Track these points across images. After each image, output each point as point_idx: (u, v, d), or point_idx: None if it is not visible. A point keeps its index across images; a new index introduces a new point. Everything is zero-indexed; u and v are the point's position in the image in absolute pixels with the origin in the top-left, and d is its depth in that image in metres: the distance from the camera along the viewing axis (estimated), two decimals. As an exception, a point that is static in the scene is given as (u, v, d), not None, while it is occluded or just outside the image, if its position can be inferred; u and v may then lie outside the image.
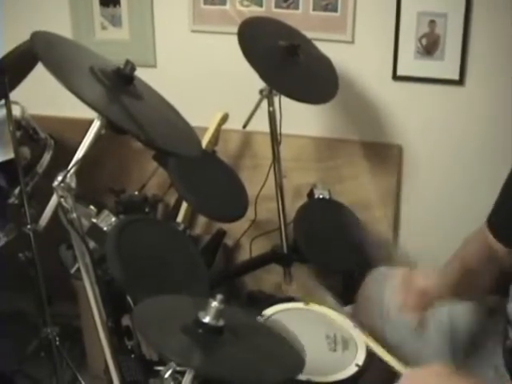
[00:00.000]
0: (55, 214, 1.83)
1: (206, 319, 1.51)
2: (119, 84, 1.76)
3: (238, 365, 1.50)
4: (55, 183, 1.72)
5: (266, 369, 1.53)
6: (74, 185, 1.73)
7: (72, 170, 1.73)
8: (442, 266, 1.92)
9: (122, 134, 1.67)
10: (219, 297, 1.53)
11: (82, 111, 1.67)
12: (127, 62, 1.75)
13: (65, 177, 1.71)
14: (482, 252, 1.88)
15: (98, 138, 1.74)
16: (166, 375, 1.58)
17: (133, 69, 1.76)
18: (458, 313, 1.97)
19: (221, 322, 1.52)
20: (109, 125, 1.71)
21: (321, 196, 2.78)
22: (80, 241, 1.80)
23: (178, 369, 1.58)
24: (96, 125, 1.73)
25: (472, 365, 1.87)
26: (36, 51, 1.63)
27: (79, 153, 1.74)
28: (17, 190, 2.51)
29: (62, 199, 1.73)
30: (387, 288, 2.02)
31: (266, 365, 1.55)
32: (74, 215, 1.76)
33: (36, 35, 1.68)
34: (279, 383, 1.55)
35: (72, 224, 1.77)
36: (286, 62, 2.52)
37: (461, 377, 1.58)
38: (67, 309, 2.83)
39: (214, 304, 1.52)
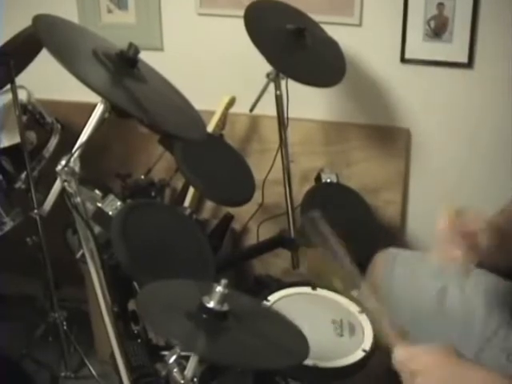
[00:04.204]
0: (62, 198, 1.82)
1: (211, 304, 1.51)
2: (123, 67, 1.74)
3: (242, 350, 1.50)
4: (59, 167, 1.71)
5: (270, 354, 1.53)
6: (77, 169, 1.73)
7: (76, 154, 1.72)
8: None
9: (126, 117, 1.66)
10: (223, 281, 1.52)
11: (89, 95, 1.65)
12: (130, 45, 1.74)
13: (68, 161, 1.71)
14: None
15: (101, 121, 1.74)
16: (171, 360, 1.58)
17: (136, 52, 1.75)
18: (473, 297, 1.95)
19: (225, 307, 1.51)
20: (112, 108, 1.70)
21: (328, 180, 2.76)
22: (84, 225, 1.79)
23: (183, 354, 1.58)
24: (99, 108, 1.72)
25: (483, 351, 1.86)
26: (38, 34, 1.62)
27: (83, 137, 1.73)
28: (23, 175, 2.52)
29: (66, 183, 1.72)
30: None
31: (271, 350, 1.54)
32: (78, 199, 1.75)
33: (38, 18, 1.67)
34: (283, 369, 1.55)
35: (76, 208, 1.76)
36: (293, 45, 2.51)
37: (466, 367, 1.53)
38: (75, 293, 2.85)
39: (219, 289, 1.51)
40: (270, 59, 2.41)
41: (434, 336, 1.89)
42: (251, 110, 2.63)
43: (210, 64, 2.95)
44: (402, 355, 1.50)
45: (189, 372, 1.56)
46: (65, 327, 2.63)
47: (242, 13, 2.45)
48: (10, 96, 2.50)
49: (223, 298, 1.51)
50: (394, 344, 1.53)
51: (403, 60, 2.74)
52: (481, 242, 1.67)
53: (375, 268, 2.14)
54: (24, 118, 2.54)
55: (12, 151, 2.51)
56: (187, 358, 1.57)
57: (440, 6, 2.62)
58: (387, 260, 2.12)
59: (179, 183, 2.90)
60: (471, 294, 1.95)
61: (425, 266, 2.07)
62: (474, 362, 1.58)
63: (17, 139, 2.48)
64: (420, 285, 2.02)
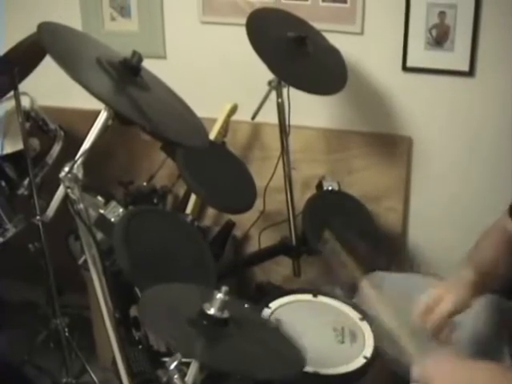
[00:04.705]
0: (65, 205, 1.83)
1: (211, 311, 1.51)
2: (126, 75, 1.75)
3: (242, 357, 1.51)
4: (62, 174, 1.72)
5: (270, 361, 1.54)
6: (80, 175, 1.73)
7: (79, 161, 1.73)
8: (456, 266, 1.86)
9: (129, 124, 1.67)
10: (224, 288, 1.53)
11: (92, 102, 1.66)
12: (134, 53, 1.75)
13: (71, 167, 1.71)
14: (500, 244, 1.85)
15: (105, 128, 1.74)
16: (172, 367, 1.59)
17: (140, 60, 1.76)
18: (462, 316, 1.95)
19: (225, 314, 1.52)
20: (115, 116, 1.71)
21: (330, 188, 2.76)
22: (87, 232, 1.80)
23: (184, 360, 1.58)
24: (103, 116, 1.73)
25: (487, 354, 1.86)
26: (43, 42, 1.63)
27: (86, 144, 1.74)
28: (26, 181, 2.53)
29: (69, 190, 1.73)
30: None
31: (270, 357, 1.55)
32: (81, 206, 1.76)
33: (42, 26, 1.68)
34: (282, 376, 1.55)
35: (79, 215, 1.77)
36: (295, 53, 2.52)
37: (476, 362, 1.57)
38: (77, 299, 2.85)
39: (219, 296, 1.52)
40: (271, 67, 2.42)
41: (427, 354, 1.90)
42: (253, 118, 2.65)
43: (213, 72, 2.96)
44: (417, 371, 1.55)
45: (189, 378, 1.57)
46: (66, 333, 2.62)
47: (244, 21, 2.47)
48: (13, 103, 2.51)
49: (224, 305, 1.52)
50: (412, 362, 1.57)
51: (405, 68, 2.75)
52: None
53: (362, 292, 2.12)
54: (27, 124, 2.55)
55: (15, 158, 2.53)
56: (188, 365, 1.58)
57: (441, 14, 2.63)
58: (374, 284, 2.11)
59: (181, 190, 2.90)
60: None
61: (411, 287, 2.07)
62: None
63: (20, 146, 2.49)
64: (408, 308, 2.01)
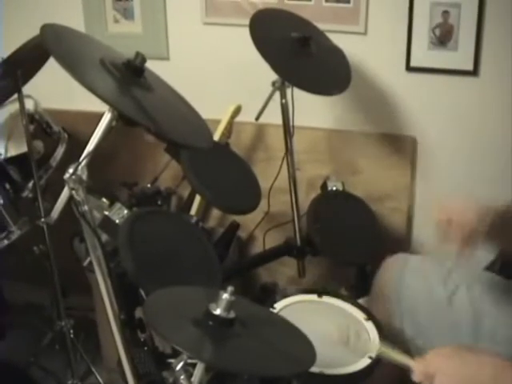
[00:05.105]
0: (69, 206, 1.83)
1: (217, 311, 1.51)
2: (130, 76, 1.75)
3: (249, 357, 1.50)
4: (66, 175, 1.72)
5: (277, 361, 1.53)
6: (85, 177, 1.73)
7: (83, 163, 1.73)
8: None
9: (133, 126, 1.67)
10: (230, 289, 1.52)
11: (96, 104, 1.66)
12: (137, 54, 1.75)
13: (76, 169, 1.71)
14: None
15: (109, 130, 1.74)
16: (178, 367, 1.58)
17: (143, 61, 1.75)
18: (481, 297, 1.96)
19: (231, 314, 1.52)
20: (119, 117, 1.70)
21: (334, 188, 2.76)
22: (92, 233, 1.80)
23: (189, 361, 1.58)
24: (107, 117, 1.72)
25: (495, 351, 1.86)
26: (46, 44, 1.63)
27: (90, 145, 1.74)
28: (30, 184, 2.54)
29: (74, 191, 1.73)
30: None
31: (277, 357, 1.54)
32: (86, 208, 1.76)
33: (45, 28, 1.67)
34: (290, 376, 1.55)
35: (83, 216, 1.77)
36: (299, 53, 2.52)
37: (475, 354, 1.57)
38: (82, 301, 2.85)
39: (225, 296, 1.51)
40: (275, 68, 2.42)
41: (444, 337, 1.91)
42: (257, 119, 2.64)
43: (216, 73, 2.96)
44: (417, 368, 1.57)
45: (195, 379, 1.57)
46: (72, 335, 2.63)
47: (247, 21, 2.47)
48: (17, 105, 2.51)
49: (229, 305, 1.51)
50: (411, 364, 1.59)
51: (408, 68, 2.75)
52: (476, 229, 1.72)
53: (385, 272, 2.16)
54: (31, 127, 2.55)
55: (19, 160, 2.53)
56: (194, 366, 1.58)
57: (445, 13, 2.62)
58: (397, 264, 2.14)
59: (185, 191, 2.90)
60: (479, 295, 1.96)
61: (434, 269, 2.09)
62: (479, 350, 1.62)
63: (24, 148, 2.50)
64: (430, 288, 2.04)
